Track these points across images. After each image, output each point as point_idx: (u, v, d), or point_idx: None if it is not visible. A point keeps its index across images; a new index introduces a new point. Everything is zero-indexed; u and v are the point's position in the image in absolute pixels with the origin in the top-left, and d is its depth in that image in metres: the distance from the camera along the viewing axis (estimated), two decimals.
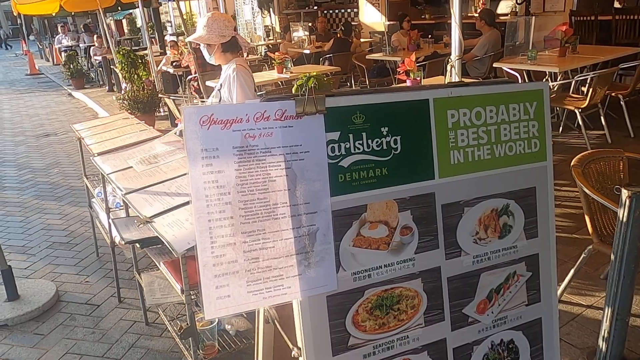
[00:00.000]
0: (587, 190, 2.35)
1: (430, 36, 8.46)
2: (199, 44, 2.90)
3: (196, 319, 2.11)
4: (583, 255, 2.53)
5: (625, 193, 1.99)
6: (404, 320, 1.18)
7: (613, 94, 5.05)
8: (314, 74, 2.85)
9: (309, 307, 1.09)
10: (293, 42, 8.72)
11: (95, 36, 12.32)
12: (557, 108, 5.54)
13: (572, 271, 2.62)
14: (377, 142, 1.13)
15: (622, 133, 5.01)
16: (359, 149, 1.12)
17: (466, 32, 7.00)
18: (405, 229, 1.17)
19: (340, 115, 1.10)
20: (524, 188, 1.28)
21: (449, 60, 2.96)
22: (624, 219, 2.02)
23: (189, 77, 6.75)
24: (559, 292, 2.69)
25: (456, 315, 1.24)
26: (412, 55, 4.30)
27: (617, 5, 8.14)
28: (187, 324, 2.00)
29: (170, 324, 2.41)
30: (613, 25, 6.84)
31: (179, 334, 2.02)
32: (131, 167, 2.61)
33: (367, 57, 7.08)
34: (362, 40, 9.25)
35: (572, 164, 2.44)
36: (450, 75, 2.96)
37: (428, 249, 1.20)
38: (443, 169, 1.20)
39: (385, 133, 1.14)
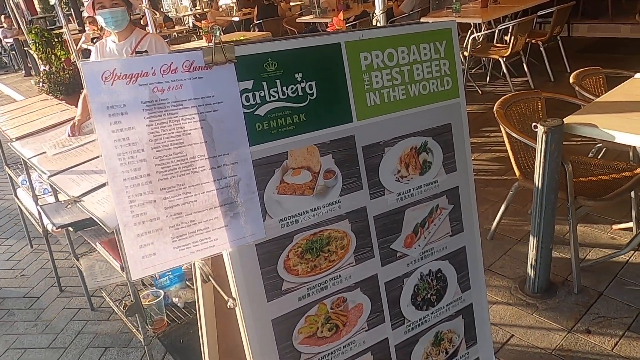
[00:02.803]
0: (509, 131, 2.47)
1: None
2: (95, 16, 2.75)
3: (141, 296, 2.08)
4: (510, 192, 2.69)
5: (541, 129, 2.11)
6: (335, 260, 1.22)
7: (533, 41, 5.28)
8: (242, 38, 2.81)
9: (239, 257, 1.10)
10: (221, 9, 8.43)
11: (2, 17, 11.33)
12: (484, 58, 5.75)
13: (502, 208, 2.78)
14: (292, 88, 1.13)
15: (543, 78, 5.28)
16: (274, 96, 1.12)
17: None
18: (328, 172, 1.19)
19: (251, 63, 1.09)
20: (440, 125, 1.33)
21: (374, 15, 2.98)
22: (542, 153, 2.15)
23: None
24: (491, 229, 2.87)
25: (385, 251, 1.29)
26: (340, 15, 4.28)
27: None
28: (132, 301, 1.96)
29: (116, 305, 2.36)
30: None
31: (125, 312, 1.99)
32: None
33: (297, 20, 6.99)
34: (291, 3, 9.10)
35: (495, 107, 2.56)
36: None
37: (352, 191, 1.23)
38: (360, 111, 1.23)
39: (299, 79, 1.14)
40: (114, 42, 2.84)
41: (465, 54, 5.21)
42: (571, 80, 2.85)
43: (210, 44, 1.01)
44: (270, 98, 1.11)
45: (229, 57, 1.05)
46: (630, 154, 2.76)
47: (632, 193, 2.57)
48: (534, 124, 2.20)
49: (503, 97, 2.64)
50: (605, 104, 2.31)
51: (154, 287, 2.25)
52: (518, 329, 2.21)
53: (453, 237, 1.41)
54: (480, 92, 5.30)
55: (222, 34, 6.37)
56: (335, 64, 1.19)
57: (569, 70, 5.20)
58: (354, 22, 5.92)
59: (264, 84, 1.10)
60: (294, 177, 1.15)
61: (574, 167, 2.60)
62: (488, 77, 5.61)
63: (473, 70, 6.05)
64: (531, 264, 2.35)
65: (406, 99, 1.27)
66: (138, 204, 0.99)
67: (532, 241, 2.31)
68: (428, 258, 1.38)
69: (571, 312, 2.24)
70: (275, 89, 1.12)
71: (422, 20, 5.64)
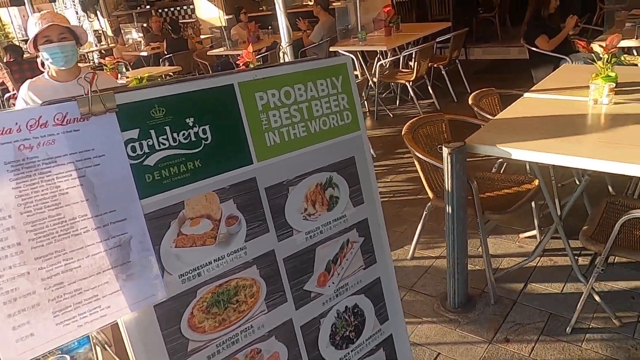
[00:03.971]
0: (417, 153, 2.56)
1: (269, 27, 8.54)
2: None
3: None
4: (425, 212, 2.77)
5: (445, 150, 2.20)
6: (244, 311, 1.15)
7: (435, 65, 5.62)
8: (146, 75, 2.69)
9: (135, 322, 1.00)
10: (127, 45, 8.14)
11: None
12: (392, 83, 6.01)
13: (418, 228, 2.86)
14: (183, 134, 1.07)
15: (447, 99, 5.61)
16: (164, 144, 1.05)
17: (309, 19, 7.21)
18: (230, 218, 1.13)
19: (136, 111, 1.02)
20: (344, 159, 1.33)
21: (281, 47, 3.00)
22: (448, 174, 2.25)
23: (7, 95, 5.92)
24: (410, 249, 2.94)
25: (298, 293, 1.25)
26: (249, 47, 4.28)
27: None
28: None
29: None
30: (428, 3, 7.60)
31: None
32: None
33: (208, 53, 6.91)
34: (201, 36, 9.01)
35: (403, 132, 2.64)
36: (285, 61, 3.01)
37: (258, 235, 1.18)
38: (260, 152, 1.19)
39: (191, 124, 1.09)
40: (59, 82, 2.48)
41: (375, 79, 5.41)
42: (470, 102, 3.03)
43: (86, 95, 0.93)
44: (159, 146, 1.04)
45: (109, 106, 0.97)
46: (527, 167, 2.96)
47: (533, 203, 2.76)
48: (439, 146, 2.29)
49: (410, 121, 2.74)
50: (501, 122, 2.47)
51: (59, 352, 2.04)
52: (444, 346, 2.24)
53: (367, 269, 1.41)
54: (391, 115, 5.52)
55: (129, 69, 6.13)
56: (229, 106, 1.15)
57: (469, 91, 5.57)
58: (265, 54, 5.96)
59: (152, 131, 1.03)
60: (193, 227, 1.08)
61: (480, 184, 2.74)
62: (398, 101, 5.87)
63: (383, 95, 6.30)
64: (450, 280, 2.42)
65: (307, 136, 1.26)
66: (7, 279, 0.87)
67: (449, 257, 2.38)
68: (343, 294, 1.35)
69: (490, 323, 2.32)
70: (164, 136, 1.05)
71: (330, 48, 5.81)
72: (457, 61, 5.79)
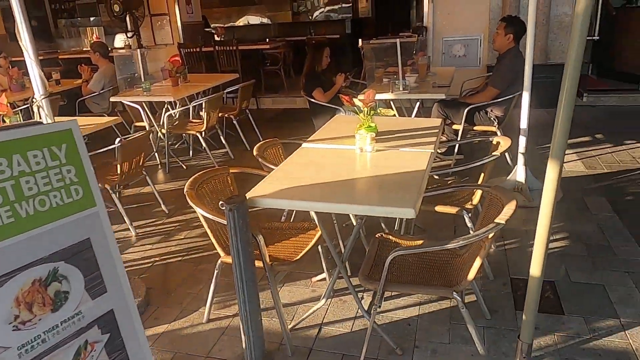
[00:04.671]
0: (200, 211, 2.44)
1: None
2: None
3: None
4: (215, 271, 2.64)
5: (227, 207, 2.13)
6: None
7: (227, 115, 5.67)
8: None
9: None
10: None
11: None
12: (184, 134, 5.84)
13: (211, 288, 2.71)
14: None
15: (241, 147, 5.69)
16: None
17: (91, 66, 6.58)
18: None
19: None
20: (74, 243, 1.11)
21: (34, 100, 2.58)
22: (232, 230, 2.17)
23: None
24: (205, 312, 2.75)
25: None
26: (2, 97, 3.65)
27: (216, 38, 9.28)
28: None
29: None
30: (216, 55, 7.74)
31: None
32: None
33: None
34: None
35: (185, 189, 2.49)
36: (40, 117, 2.59)
37: None
38: None
39: None
40: None
41: (163, 131, 5.18)
42: (255, 153, 3.06)
43: None
44: None
45: None
46: (312, 213, 3.10)
47: (320, 247, 2.87)
48: (220, 202, 2.21)
49: (193, 177, 2.62)
50: (281, 173, 2.52)
51: None
52: None
53: None
54: (184, 167, 5.32)
55: None
56: None
57: (261, 139, 5.73)
58: (26, 106, 5.18)
59: None
60: None
61: (268, 235, 2.75)
62: (191, 152, 5.71)
63: (176, 146, 6.08)
64: (245, 339, 2.32)
65: (15, 222, 1.01)
66: None
67: (241, 316, 2.28)
68: None
69: None
70: None
71: (112, 99, 5.38)
72: (247, 111, 5.95)
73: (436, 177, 3.53)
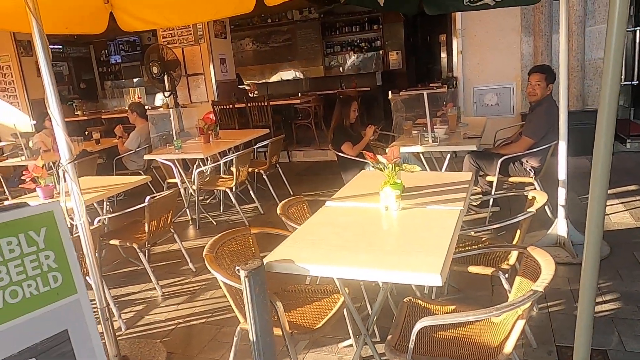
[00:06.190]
0: (218, 275, 2.36)
1: (86, 133, 7.97)
2: None
3: None
4: (235, 338, 2.52)
5: (242, 273, 2.04)
6: None
7: (257, 170, 5.70)
8: None
9: None
10: None
11: None
12: (215, 190, 5.89)
13: (231, 354, 2.58)
14: None
15: (271, 202, 5.66)
16: None
17: (126, 125, 6.86)
18: None
19: None
20: (49, 337, 1.02)
21: (60, 165, 2.62)
22: (248, 297, 2.07)
23: None
24: None
25: None
26: (39, 160, 3.79)
27: (249, 94, 9.57)
28: None
29: None
30: (248, 111, 7.93)
31: None
32: None
33: (1, 164, 6.03)
34: (1, 144, 7.97)
35: (204, 251, 2.43)
36: (65, 181, 2.62)
37: None
38: None
39: None
40: None
41: (194, 187, 5.23)
42: (278, 212, 3.00)
43: None
44: None
45: None
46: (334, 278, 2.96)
47: (345, 311, 2.71)
48: (237, 267, 2.13)
49: (213, 239, 2.56)
50: (302, 236, 2.42)
51: None
52: None
53: None
54: (214, 222, 5.32)
55: None
56: None
57: (291, 193, 5.73)
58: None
59: None
60: None
61: (289, 299, 2.63)
62: (222, 207, 5.73)
63: (208, 201, 6.13)
64: None
65: None
66: None
67: None
68: None
69: None
70: None
71: (145, 157, 5.52)
72: (277, 165, 5.97)
73: (473, 233, 3.33)
